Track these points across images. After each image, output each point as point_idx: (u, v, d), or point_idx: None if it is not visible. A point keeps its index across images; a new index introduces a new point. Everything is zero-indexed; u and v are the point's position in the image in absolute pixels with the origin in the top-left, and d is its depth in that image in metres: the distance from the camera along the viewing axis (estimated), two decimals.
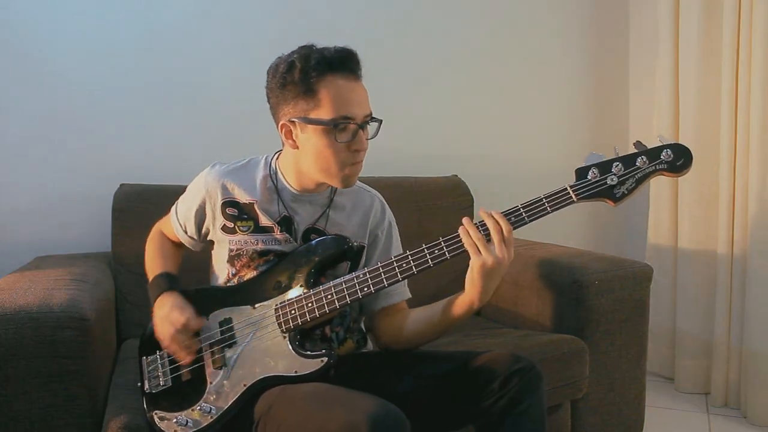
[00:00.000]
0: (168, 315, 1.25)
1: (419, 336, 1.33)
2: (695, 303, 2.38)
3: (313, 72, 1.19)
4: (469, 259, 1.17)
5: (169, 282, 1.33)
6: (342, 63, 1.21)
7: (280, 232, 1.32)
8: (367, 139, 1.26)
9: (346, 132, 1.22)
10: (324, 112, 1.20)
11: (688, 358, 2.41)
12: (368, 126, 1.25)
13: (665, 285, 2.49)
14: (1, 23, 1.93)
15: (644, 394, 1.88)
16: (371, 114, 1.25)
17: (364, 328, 1.44)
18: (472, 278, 1.18)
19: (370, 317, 1.41)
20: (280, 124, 1.27)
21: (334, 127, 1.20)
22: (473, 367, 1.22)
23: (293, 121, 1.24)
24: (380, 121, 1.26)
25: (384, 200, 1.46)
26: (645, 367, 1.87)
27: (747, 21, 2.14)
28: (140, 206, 1.85)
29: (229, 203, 1.33)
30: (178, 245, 1.47)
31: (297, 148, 1.27)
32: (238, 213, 1.33)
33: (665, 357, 2.54)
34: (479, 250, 1.15)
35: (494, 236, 1.15)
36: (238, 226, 1.33)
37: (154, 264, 1.40)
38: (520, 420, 1.16)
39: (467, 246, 1.16)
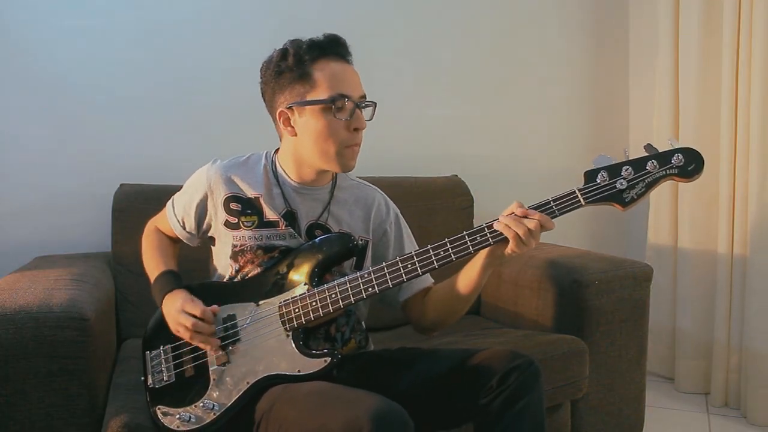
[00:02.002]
0: (182, 307, 1.24)
1: (451, 311, 1.35)
2: (695, 303, 2.38)
3: (306, 56, 1.24)
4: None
5: (175, 281, 1.32)
6: (332, 47, 1.26)
7: (285, 226, 1.32)
8: (365, 121, 1.28)
9: (344, 110, 1.24)
10: (321, 92, 1.23)
11: (688, 358, 2.41)
12: (364, 109, 1.28)
13: (665, 285, 2.49)
14: (1, 23, 1.93)
15: (644, 394, 1.88)
16: (365, 96, 1.28)
17: (365, 327, 1.44)
18: (502, 257, 1.21)
19: (398, 310, 1.42)
20: (278, 113, 1.28)
21: (332, 103, 1.22)
22: (472, 364, 1.22)
23: (291, 107, 1.26)
24: (375, 104, 1.29)
25: (386, 195, 1.47)
26: (645, 367, 1.87)
27: (747, 21, 2.14)
28: (140, 206, 1.84)
29: (233, 198, 1.33)
30: (175, 240, 1.47)
31: (296, 135, 1.28)
32: (242, 208, 1.33)
33: (665, 357, 2.54)
34: (522, 241, 1.15)
35: (535, 229, 1.15)
36: (242, 222, 1.32)
37: (154, 261, 1.39)
38: (518, 416, 1.16)
39: (511, 237, 1.15)
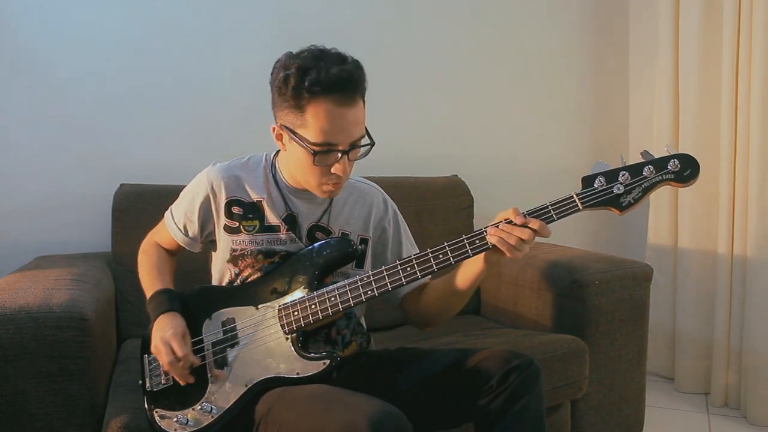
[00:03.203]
0: (169, 341, 1.22)
1: (446, 308, 1.35)
2: (695, 303, 2.38)
3: (305, 93, 1.16)
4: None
5: (169, 301, 1.31)
6: (338, 87, 1.16)
7: (286, 231, 1.32)
8: (355, 160, 1.25)
9: (328, 157, 1.20)
10: (309, 134, 1.18)
11: (688, 358, 2.41)
12: (358, 148, 1.23)
13: (665, 285, 2.49)
14: (0, 23, 1.93)
15: (644, 394, 1.88)
16: (362, 137, 1.23)
17: (365, 328, 1.44)
18: (498, 262, 1.22)
19: (397, 306, 1.42)
20: (272, 126, 1.27)
21: (315, 152, 1.18)
22: (471, 364, 1.22)
23: (284, 127, 1.24)
24: (372, 144, 1.24)
25: (384, 192, 1.47)
26: (645, 367, 1.87)
27: (747, 21, 2.14)
28: (140, 206, 1.85)
29: (235, 202, 1.33)
30: (173, 253, 1.46)
31: (285, 151, 1.28)
32: (244, 212, 1.33)
33: (665, 357, 2.54)
34: (517, 249, 1.16)
35: (528, 239, 1.16)
36: (243, 226, 1.32)
37: (151, 278, 1.38)
38: (518, 416, 1.16)
39: (504, 249, 1.16)
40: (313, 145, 1.18)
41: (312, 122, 1.17)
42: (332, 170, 1.21)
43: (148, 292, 1.35)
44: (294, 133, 1.20)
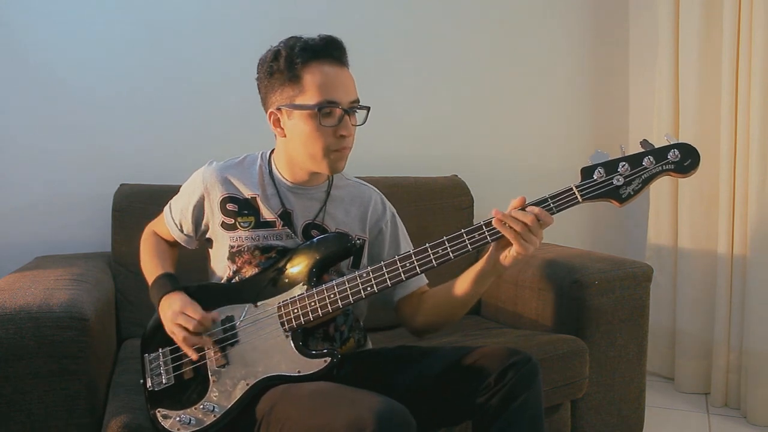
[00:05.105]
0: (182, 309, 1.22)
1: (447, 315, 1.34)
2: (695, 303, 2.38)
3: (297, 59, 1.22)
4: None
5: (172, 283, 1.31)
6: (326, 50, 1.24)
7: (282, 226, 1.32)
8: (355, 125, 1.27)
9: (332, 117, 1.23)
10: (309, 98, 1.22)
11: (688, 358, 2.41)
12: (356, 113, 1.27)
13: (665, 285, 2.49)
14: (1, 24, 1.93)
15: (644, 394, 1.88)
16: (358, 100, 1.27)
17: (363, 325, 1.44)
18: (507, 259, 1.19)
19: (392, 309, 1.41)
20: (268, 113, 1.29)
21: (318, 110, 1.21)
22: (470, 362, 1.22)
23: (280, 109, 1.26)
24: (368, 108, 1.28)
25: (383, 194, 1.47)
26: (645, 367, 1.87)
27: (747, 21, 2.14)
28: (140, 206, 1.85)
29: (229, 199, 1.33)
30: (173, 244, 1.47)
31: (285, 136, 1.29)
32: (239, 209, 1.33)
33: (665, 357, 2.54)
34: (524, 239, 1.15)
35: (534, 227, 1.15)
36: (238, 222, 1.32)
37: (152, 264, 1.38)
38: (516, 414, 1.16)
39: (510, 236, 1.15)
40: (315, 105, 1.21)
41: (310, 84, 1.22)
42: (339, 132, 1.24)
43: (150, 278, 1.35)
44: (293, 105, 1.23)
